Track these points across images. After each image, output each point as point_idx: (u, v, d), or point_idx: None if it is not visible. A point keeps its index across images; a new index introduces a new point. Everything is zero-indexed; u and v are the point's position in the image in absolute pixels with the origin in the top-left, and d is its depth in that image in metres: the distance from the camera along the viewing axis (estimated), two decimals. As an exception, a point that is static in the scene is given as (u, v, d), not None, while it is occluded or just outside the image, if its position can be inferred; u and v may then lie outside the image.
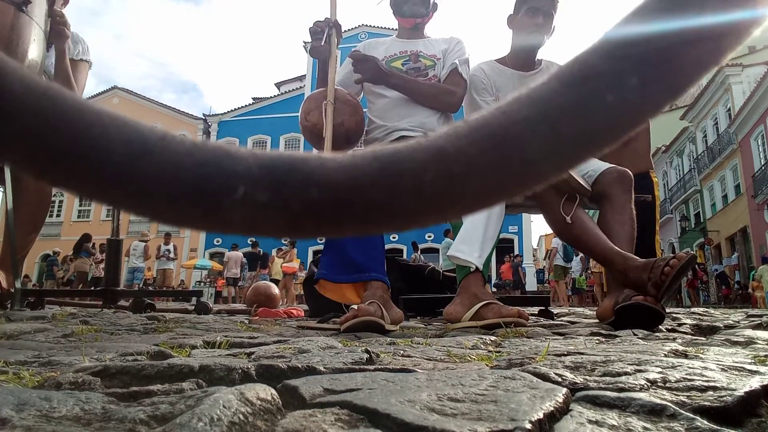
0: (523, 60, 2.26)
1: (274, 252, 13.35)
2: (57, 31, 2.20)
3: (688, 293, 16.40)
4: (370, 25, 25.54)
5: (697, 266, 16.63)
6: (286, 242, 12.82)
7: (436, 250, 22.21)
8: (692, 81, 0.23)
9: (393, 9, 2.30)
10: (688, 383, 0.55)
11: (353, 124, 2.02)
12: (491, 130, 0.23)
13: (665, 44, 0.22)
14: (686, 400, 0.49)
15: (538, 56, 2.30)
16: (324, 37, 2.04)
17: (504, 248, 19.88)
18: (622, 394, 0.49)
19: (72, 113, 0.21)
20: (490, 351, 1.01)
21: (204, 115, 27.76)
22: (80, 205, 26.44)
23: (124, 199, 0.22)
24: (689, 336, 1.40)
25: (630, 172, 2.03)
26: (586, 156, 0.24)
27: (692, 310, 4.24)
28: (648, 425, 0.42)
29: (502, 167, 0.22)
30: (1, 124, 0.20)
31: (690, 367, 0.63)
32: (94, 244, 12.49)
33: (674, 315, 2.46)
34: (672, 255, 1.61)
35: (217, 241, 24.44)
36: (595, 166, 2.06)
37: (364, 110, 2.10)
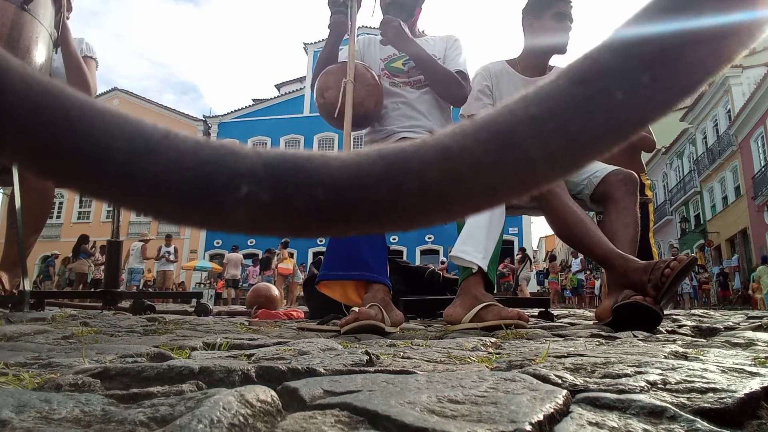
0: (535, 64, 2.23)
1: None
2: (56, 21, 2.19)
3: (697, 294, 16.43)
4: (369, 27, 25.61)
5: (697, 267, 16.65)
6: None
7: (437, 251, 22.22)
8: (703, 79, 0.22)
9: None
10: (689, 385, 0.55)
11: (372, 104, 1.98)
12: (498, 128, 0.22)
13: (677, 42, 0.22)
14: (686, 401, 0.49)
15: (551, 62, 2.26)
16: (346, 9, 1.99)
17: (504, 250, 19.87)
18: (623, 396, 0.49)
19: (74, 110, 0.21)
20: (490, 353, 1.01)
21: (204, 116, 27.76)
22: (80, 207, 26.43)
23: (126, 197, 0.22)
24: (689, 337, 1.40)
25: (636, 175, 2.03)
26: (593, 155, 0.23)
27: (692, 311, 4.24)
28: (648, 427, 0.42)
29: (509, 166, 0.22)
30: (1, 121, 0.20)
31: (690, 369, 0.63)
32: (94, 244, 12.46)
33: (674, 317, 2.46)
34: (672, 257, 1.62)
35: (217, 243, 24.43)
36: (600, 167, 2.07)
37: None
